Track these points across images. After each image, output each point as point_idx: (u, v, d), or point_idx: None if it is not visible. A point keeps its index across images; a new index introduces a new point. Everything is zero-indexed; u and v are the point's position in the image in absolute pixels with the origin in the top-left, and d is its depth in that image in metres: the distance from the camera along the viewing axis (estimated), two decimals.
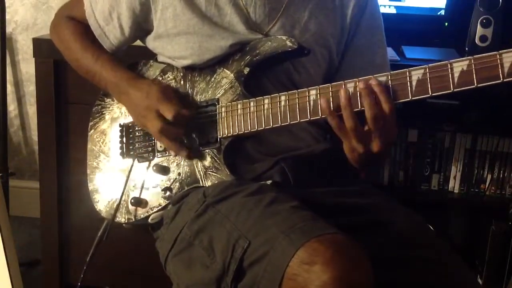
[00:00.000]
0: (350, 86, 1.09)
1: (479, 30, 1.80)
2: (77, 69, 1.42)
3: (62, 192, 1.93)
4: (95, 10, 1.35)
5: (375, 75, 1.06)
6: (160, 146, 1.33)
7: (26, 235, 2.41)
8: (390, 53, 1.83)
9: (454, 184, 2.00)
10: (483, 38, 1.80)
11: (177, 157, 1.30)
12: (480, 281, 1.97)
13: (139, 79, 1.31)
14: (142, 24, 1.33)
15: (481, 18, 1.79)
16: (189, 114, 1.25)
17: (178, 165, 1.30)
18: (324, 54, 1.31)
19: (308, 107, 1.13)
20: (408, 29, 1.98)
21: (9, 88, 2.47)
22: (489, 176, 1.98)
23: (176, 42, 1.28)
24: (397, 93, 1.05)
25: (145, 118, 1.27)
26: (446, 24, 1.97)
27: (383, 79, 1.05)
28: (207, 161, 1.26)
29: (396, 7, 1.98)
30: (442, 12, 1.97)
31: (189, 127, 1.28)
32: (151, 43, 1.35)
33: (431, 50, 1.95)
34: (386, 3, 1.97)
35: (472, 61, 0.97)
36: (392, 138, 1.09)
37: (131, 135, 1.37)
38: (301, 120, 1.14)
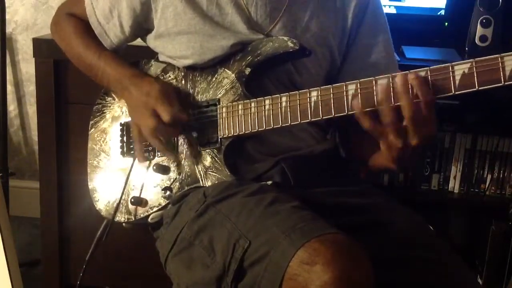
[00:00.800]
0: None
1: (479, 30, 1.80)
2: (79, 66, 1.41)
3: (62, 192, 1.93)
4: (96, 8, 1.35)
5: (412, 71, 1.03)
6: None
7: (26, 235, 2.41)
8: None
9: (454, 184, 2.00)
10: (483, 38, 1.81)
11: (177, 157, 1.30)
12: (480, 281, 1.97)
13: (142, 77, 1.31)
14: (142, 23, 1.33)
15: (481, 18, 1.80)
16: (185, 119, 1.25)
17: (179, 165, 1.30)
18: (325, 54, 1.30)
19: (309, 108, 1.13)
20: (408, 29, 1.98)
21: (9, 88, 2.47)
22: (489, 176, 1.98)
23: (177, 41, 1.28)
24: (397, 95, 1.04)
25: (141, 115, 1.27)
26: (446, 24, 1.97)
27: (384, 81, 1.05)
28: (208, 161, 1.26)
29: (396, 7, 1.98)
30: (442, 12, 1.97)
31: (189, 127, 1.28)
32: (152, 42, 1.35)
33: (431, 50, 1.95)
34: (386, 3, 1.97)
35: (474, 64, 0.97)
36: (431, 132, 1.05)
37: (131, 134, 1.37)
38: (301, 121, 1.14)
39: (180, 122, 1.25)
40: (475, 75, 0.97)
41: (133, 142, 1.36)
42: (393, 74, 1.04)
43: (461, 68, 0.98)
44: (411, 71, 1.02)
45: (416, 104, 1.01)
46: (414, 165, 1.19)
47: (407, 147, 1.05)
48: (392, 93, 1.03)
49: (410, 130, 1.03)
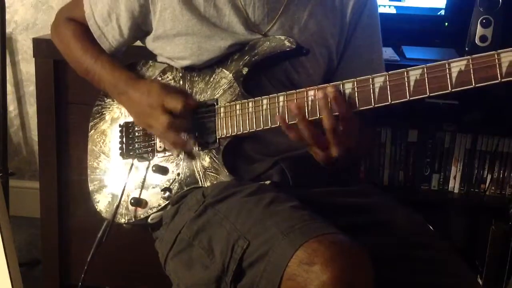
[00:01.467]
0: (310, 94, 1.11)
1: (479, 30, 1.80)
2: (77, 70, 1.42)
3: (62, 192, 1.93)
4: (95, 12, 1.35)
5: (331, 84, 1.08)
6: (160, 147, 1.33)
7: (26, 235, 2.41)
8: (390, 53, 1.83)
9: (454, 184, 2.00)
10: (483, 38, 1.80)
11: (176, 158, 1.30)
12: (480, 281, 1.97)
13: (137, 79, 1.31)
14: (141, 26, 1.33)
15: (481, 18, 1.79)
16: (195, 103, 1.24)
17: (177, 166, 1.30)
18: (323, 53, 1.31)
19: (306, 107, 1.13)
20: (408, 29, 1.98)
21: (9, 88, 2.47)
22: (489, 176, 1.98)
23: (175, 43, 1.28)
24: (395, 93, 1.04)
25: (150, 117, 1.26)
26: (446, 24, 1.97)
27: (381, 79, 1.05)
28: (206, 162, 1.26)
29: (396, 7, 1.98)
30: (442, 12, 1.97)
31: (188, 128, 1.28)
32: (151, 44, 1.35)
33: (431, 50, 1.95)
34: (386, 3, 1.97)
35: (470, 61, 0.97)
36: (351, 145, 1.09)
37: (130, 135, 1.37)
38: None
39: (191, 108, 1.24)
40: (472, 72, 0.97)
41: (134, 143, 1.36)
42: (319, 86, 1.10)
43: (457, 66, 0.98)
44: (330, 84, 1.08)
45: (335, 117, 1.06)
46: (349, 165, 1.23)
47: (330, 156, 1.10)
48: (314, 106, 1.09)
49: (330, 142, 1.08)
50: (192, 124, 1.26)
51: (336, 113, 1.06)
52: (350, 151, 1.10)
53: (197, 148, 1.27)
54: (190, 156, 1.27)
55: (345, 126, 1.06)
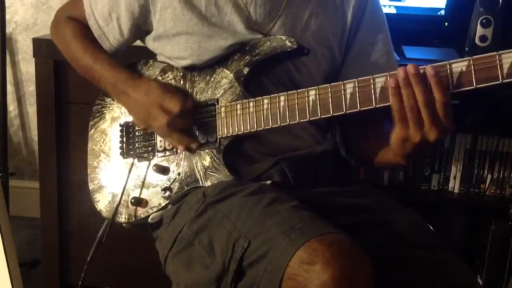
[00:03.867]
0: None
1: (479, 30, 1.80)
2: (77, 69, 1.42)
3: (62, 192, 1.93)
4: (95, 11, 1.35)
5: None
6: (160, 146, 1.33)
7: (26, 235, 2.41)
8: None
9: (454, 184, 2.00)
10: (483, 38, 1.80)
11: (176, 157, 1.30)
12: (480, 281, 1.97)
13: (137, 79, 1.31)
14: (141, 25, 1.33)
15: (481, 18, 1.79)
16: (193, 105, 1.25)
17: (178, 165, 1.30)
18: (325, 53, 1.30)
19: (307, 107, 1.13)
20: (408, 29, 1.97)
21: (9, 88, 2.47)
22: (489, 176, 1.98)
23: (175, 42, 1.28)
24: None
25: (149, 116, 1.26)
26: (446, 24, 1.97)
27: (381, 79, 1.05)
28: (207, 161, 1.26)
29: (396, 7, 1.98)
30: (442, 12, 1.97)
31: (188, 128, 1.28)
32: (151, 43, 1.35)
33: (431, 50, 1.95)
34: (386, 3, 1.97)
35: (471, 62, 0.97)
36: (449, 127, 1.03)
37: (131, 135, 1.38)
38: (300, 120, 1.14)
39: (189, 109, 1.24)
40: (473, 73, 0.97)
41: (134, 142, 1.36)
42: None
43: (458, 66, 0.98)
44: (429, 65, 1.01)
45: (429, 94, 1.00)
46: (420, 162, 1.18)
47: (424, 140, 1.03)
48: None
49: (428, 124, 1.01)
50: (192, 123, 1.27)
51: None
52: (444, 134, 1.05)
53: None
54: (193, 154, 1.27)
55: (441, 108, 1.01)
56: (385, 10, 1.95)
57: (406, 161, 1.15)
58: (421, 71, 1.01)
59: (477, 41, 1.81)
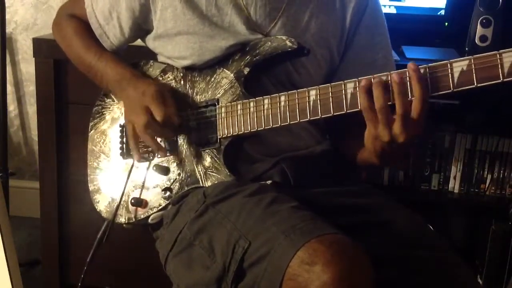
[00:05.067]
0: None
1: (479, 30, 1.80)
2: (79, 67, 1.42)
3: (62, 192, 1.93)
4: (96, 10, 1.35)
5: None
6: None
7: (26, 235, 2.41)
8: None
9: (454, 184, 2.00)
10: (483, 38, 1.80)
11: (177, 157, 1.30)
12: (480, 281, 1.97)
13: (140, 78, 1.31)
14: (142, 24, 1.33)
15: (481, 18, 1.80)
16: (177, 123, 1.25)
17: (178, 165, 1.30)
18: (324, 54, 1.30)
19: (308, 108, 1.13)
20: (408, 29, 1.98)
21: (9, 88, 2.47)
22: (489, 176, 1.98)
23: (176, 42, 1.28)
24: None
25: (134, 112, 1.27)
26: (446, 24, 1.97)
27: (382, 78, 1.05)
28: (207, 162, 1.26)
29: (396, 7, 1.98)
30: (442, 12, 1.97)
31: (189, 127, 1.28)
32: (151, 42, 1.35)
33: (431, 50, 1.95)
34: (386, 3, 1.97)
35: (472, 61, 0.97)
36: (418, 132, 1.04)
37: (126, 133, 1.37)
38: (300, 121, 1.14)
39: (172, 125, 1.25)
40: (474, 72, 0.97)
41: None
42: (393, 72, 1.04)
43: (459, 65, 0.98)
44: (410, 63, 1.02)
45: (410, 103, 1.01)
46: (398, 164, 1.18)
47: (393, 142, 1.04)
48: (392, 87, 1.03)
49: (398, 126, 1.02)
50: (193, 121, 1.26)
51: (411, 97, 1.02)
52: (414, 141, 1.05)
53: (198, 148, 1.27)
54: (190, 154, 1.27)
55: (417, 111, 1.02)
56: (385, 10, 1.95)
57: (380, 161, 1.15)
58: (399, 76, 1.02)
59: (477, 41, 1.81)
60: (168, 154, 1.31)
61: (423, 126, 1.04)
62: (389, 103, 1.03)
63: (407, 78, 1.02)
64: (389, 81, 1.03)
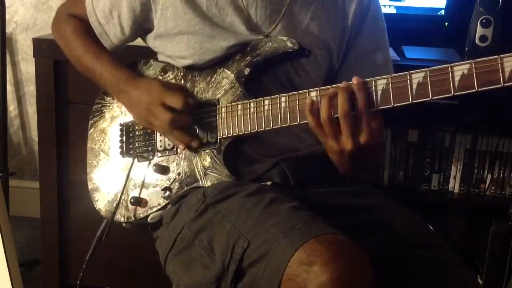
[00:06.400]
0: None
1: (479, 30, 1.80)
2: (78, 67, 1.42)
3: (62, 192, 1.93)
4: (96, 8, 1.35)
5: (376, 78, 1.06)
6: (160, 146, 1.33)
7: (26, 235, 2.41)
8: (390, 53, 1.83)
9: (454, 184, 2.00)
10: (483, 38, 1.80)
11: (177, 157, 1.30)
12: (480, 281, 1.97)
13: (138, 78, 1.31)
14: (142, 24, 1.33)
15: (481, 18, 1.80)
16: (194, 101, 1.25)
17: (178, 165, 1.30)
18: (324, 56, 1.30)
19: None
20: (408, 29, 1.98)
21: (9, 88, 2.47)
22: (489, 176, 1.98)
23: (177, 41, 1.29)
24: (397, 96, 1.04)
25: (151, 114, 1.25)
26: (446, 24, 1.97)
27: (383, 81, 1.05)
28: (207, 161, 1.26)
29: (396, 7, 1.98)
30: (442, 12, 1.97)
31: (189, 127, 1.28)
32: (152, 42, 1.35)
33: (431, 50, 1.95)
34: (386, 3, 1.97)
35: (473, 65, 0.97)
36: (368, 141, 1.06)
37: (131, 134, 1.37)
38: (301, 122, 1.14)
39: (191, 105, 1.24)
40: (475, 76, 0.97)
41: (134, 141, 1.36)
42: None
43: (460, 69, 0.98)
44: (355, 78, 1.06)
45: (349, 105, 1.05)
46: (365, 172, 1.21)
47: (343, 150, 1.08)
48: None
49: (344, 134, 1.06)
50: (193, 121, 1.27)
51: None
52: (371, 148, 1.08)
53: (198, 148, 1.27)
54: (194, 152, 1.27)
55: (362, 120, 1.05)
56: (385, 10, 1.95)
57: (342, 169, 1.18)
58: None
59: (477, 41, 1.81)
60: (168, 153, 1.31)
61: (373, 135, 1.06)
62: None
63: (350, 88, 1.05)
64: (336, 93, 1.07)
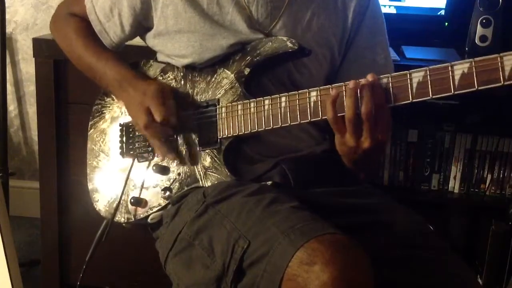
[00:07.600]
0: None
1: (479, 30, 1.80)
2: (79, 66, 1.42)
3: (62, 192, 1.93)
4: (96, 6, 1.35)
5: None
6: None
7: (26, 235, 2.41)
8: (391, 53, 1.83)
9: (454, 184, 2.00)
10: (483, 38, 1.81)
11: (175, 156, 1.30)
12: (480, 281, 1.97)
13: (140, 79, 1.31)
14: (142, 22, 1.33)
15: (481, 18, 1.80)
16: (175, 124, 1.26)
17: (178, 165, 1.30)
18: (325, 54, 1.30)
19: (308, 108, 1.13)
20: (408, 29, 1.98)
21: (9, 88, 2.47)
22: (489, 176, 1.98)
23: (176, 40, 1.29)
24: (397, 95, 1.04)
25: (135, 112, 1.28)
26: (446, 24, 1.97)
27: (383, 80, 1.05)
28: (207, 162, 1.26)
29: (396, 7, 1.98)
30: (442, 12, 1.97)
31: (189, 127, 1.28)
32: (151, 40, 1.35)
33: (431, 50, 1.95)
34: (386, 3, 1.97)
35: (473, 64, 0.97)
36: (384, 138, 1.08)
37: (131, 135, 1.37)
38: (301, 121, 1.14)
39: (171, 125, 1.25)
40: (475, 75, 0.97)
41: (134, 142, 1.36)
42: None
43: (460, 68, 0.98)
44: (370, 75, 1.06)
45: (372, 104, 1.04)
46: (369, 170, 1.22)
47: (359, 147, 1.08)
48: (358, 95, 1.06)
49: (365, 132, 1.06)
50: (193, 121, 1.27)
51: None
52: (380, 146, 1.08)
53: (198, 148, 1.27)
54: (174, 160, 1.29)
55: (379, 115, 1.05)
56: (385, 10, 1.95)
57: (351, 164, 1.19)
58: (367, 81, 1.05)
59: (477, 41, 1.81)
60: (167, 155, 1.31)
61: (387, 133, 1.07)
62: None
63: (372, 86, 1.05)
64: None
